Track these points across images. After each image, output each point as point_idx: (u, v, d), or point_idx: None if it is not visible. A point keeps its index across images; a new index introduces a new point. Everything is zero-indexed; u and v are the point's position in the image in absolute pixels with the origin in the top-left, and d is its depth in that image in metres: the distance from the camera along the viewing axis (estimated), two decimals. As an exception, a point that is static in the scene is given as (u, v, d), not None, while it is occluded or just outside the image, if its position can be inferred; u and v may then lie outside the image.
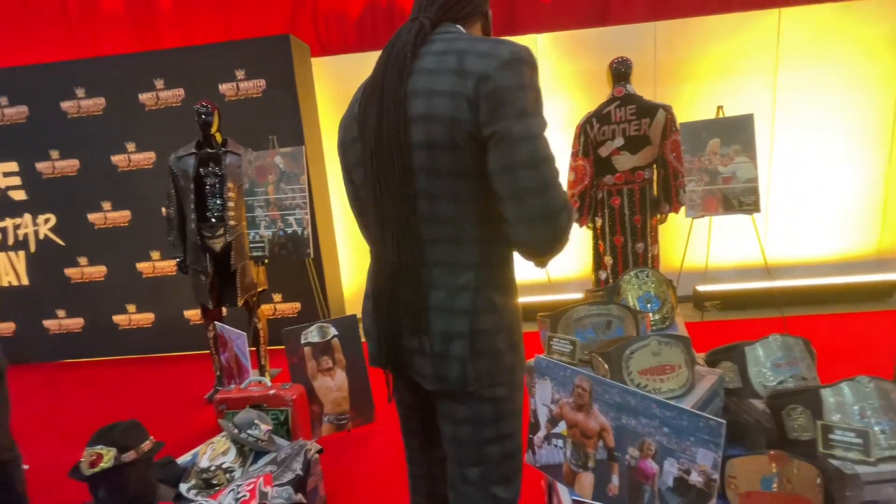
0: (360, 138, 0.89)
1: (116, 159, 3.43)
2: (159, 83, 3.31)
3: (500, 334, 0.90)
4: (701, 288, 3.53)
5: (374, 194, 0.88)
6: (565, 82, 3.57)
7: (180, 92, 3.30)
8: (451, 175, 0.83)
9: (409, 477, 1.12)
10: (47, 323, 3.69)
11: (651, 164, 2.53)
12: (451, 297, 0.87)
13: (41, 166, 3.47)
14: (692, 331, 3.14)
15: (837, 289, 3.42)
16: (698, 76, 3.48)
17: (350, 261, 3.94)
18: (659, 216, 2.61)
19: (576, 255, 3.75)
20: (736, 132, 2.68)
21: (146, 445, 1.45)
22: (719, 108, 2.84)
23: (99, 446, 1.37)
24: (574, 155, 2.61)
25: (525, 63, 0.80)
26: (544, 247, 0.84)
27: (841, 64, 3.38)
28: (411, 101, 0.82)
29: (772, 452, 1.16)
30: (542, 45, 3.54)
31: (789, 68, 3.42)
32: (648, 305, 1.77)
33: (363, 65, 3.64)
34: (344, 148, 0.95)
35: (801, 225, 3.61)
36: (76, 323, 3.69)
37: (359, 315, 2.84)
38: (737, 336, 3.07)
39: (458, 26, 0.89)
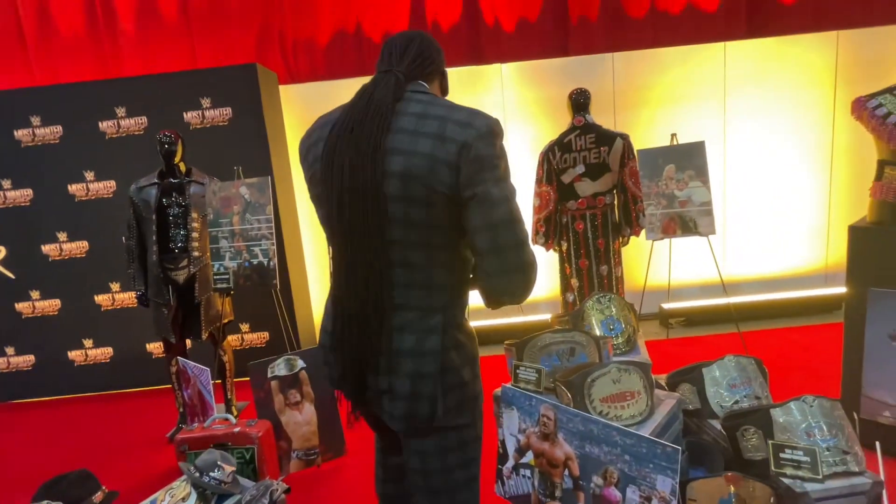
0: (326, 179, 0.94)
1: (74, 188, 3.31)
2: (121, 111, 3.24)
3: (465, 367, 0.99)
4: (666, 306, 3.64)
5: (344, 240, 0.92)
6: (529, 109, 3.70)
7: (143, 120, 3.25)
8: (424, 226, 0.90)
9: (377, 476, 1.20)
10: (-6, 362, 3.47)
11: (611, 189, 2.63)
12: (422, 339, 0.93)
13: (-9, 196, 3.32)
14: (659, 348, 3.24)
15: (789, 303, 3.60)
16: (654, 104, 3.67)
17: (321, 289, 3.90)
18: (621, 239, 2.70)
19: (544, 277, 3.82)
20: (689, 158, 2.83)
21: (97, 497, 1.38)
22: (673, 135, 3.00)
23: (45, 502, 1.29)
24: (538, 181, 2.69)
25: (498, 135, 0.90)
26: (517, 294, 0.93)
27: (783, 92, 3.64)
28: (390, 157, 0.88)
29: (728, 474, 1.20)
30: (507, 74, 3.67)
31: (736, 97, 3.65)
32: (611, 329, 1.82)
33: (332, 92, 3.67)
34: (310, 179, 1.00)
35: (755, 244, 3.81)
36: (26, 360, 3.48)
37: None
38: (701, 351, 3.18)
39: (424, 84, 0.99)
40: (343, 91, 3.69)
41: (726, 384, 1.54)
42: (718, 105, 3.67)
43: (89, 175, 3.30)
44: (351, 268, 0.92)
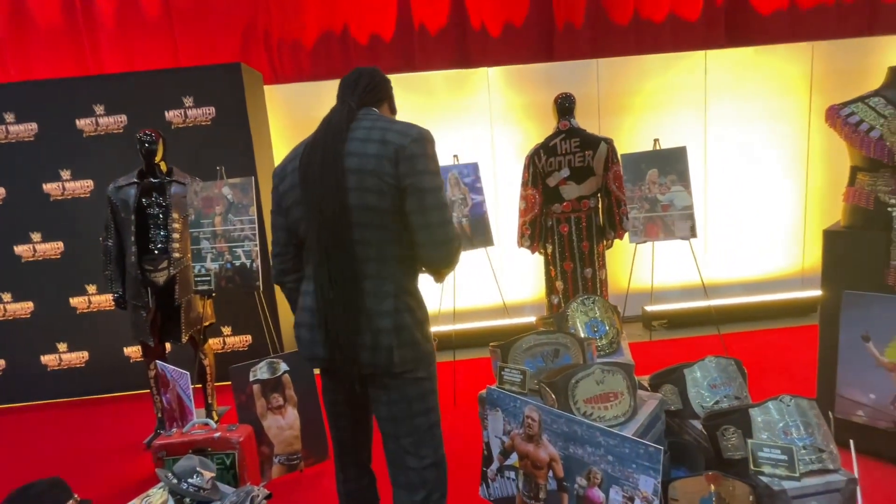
0: (301, 184, 1.20)
1: (49, 188, 3.22)
2: (99, 109, 3.16)
3: (416, 328, 1.21)
4: (649, 308, 3.69)
5: (315, 226, 1.17)
6: (515, 113, 3.72)
7: (122, 118, 3.17)
8: (376, 211, 1.15)
9: (336, 452, 1.40)
10: (-38, 367, 3.34)
11: (596, 193, 2.66)
12: (378, 302, 1.18)
13: (-39, 195, 3.20)
14: (642, 350, 3.28)
15: (767, 306, 3.69)
16: (637, 109, 3.73)
17: (305, 289, 3.85)
18: (605, 242, 2.73)
19: (529, 280, 3.84)
20: (672, 163, 2.89)
21: (70, 505, 1.33)
22: (656, 140, 3.05)
23: (13, 511, 1.24)
24: (524, 184, 2.70)
25: (428, 140, 1.18)
26: (444, 262, 1.21)
27: (761, 100, 3.74)
28: (347, 158, 1.15)
29: (709, 473, 1.22)
30: (493, 78, 3.69)
31: (717, 103, 3.74)
32: (595, 331, 1.83)
33: (318, 93, 3.65)
34: (281, 194, 1.26)
35: (735, 247, 3.89)
36: (-4, 365, 3.36)
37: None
38: (683, 353, 3.23)
39: (375, 109, 1.26)
40: (328, 92, 3.66)
41: (707, 385, 1.57)
42: (699, 111, 3.75)
43: (65, 174, 3.21)
44: (325, 250, 1.16)
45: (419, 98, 3.60)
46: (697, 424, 1.49)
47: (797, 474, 1.20)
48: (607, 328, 1.87)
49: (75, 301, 3.31)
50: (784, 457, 1.21)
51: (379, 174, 1.13)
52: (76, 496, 1.38)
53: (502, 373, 1.47)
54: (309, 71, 3.88)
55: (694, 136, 3.73)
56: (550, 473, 1.29)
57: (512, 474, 1.40)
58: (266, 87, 3.62)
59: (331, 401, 1.35)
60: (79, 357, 3.37)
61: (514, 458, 1.39)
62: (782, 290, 3.81)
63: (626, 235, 2.76)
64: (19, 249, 3.26)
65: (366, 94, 1.25)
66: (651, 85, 3.70)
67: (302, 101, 3.66)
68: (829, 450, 1.25)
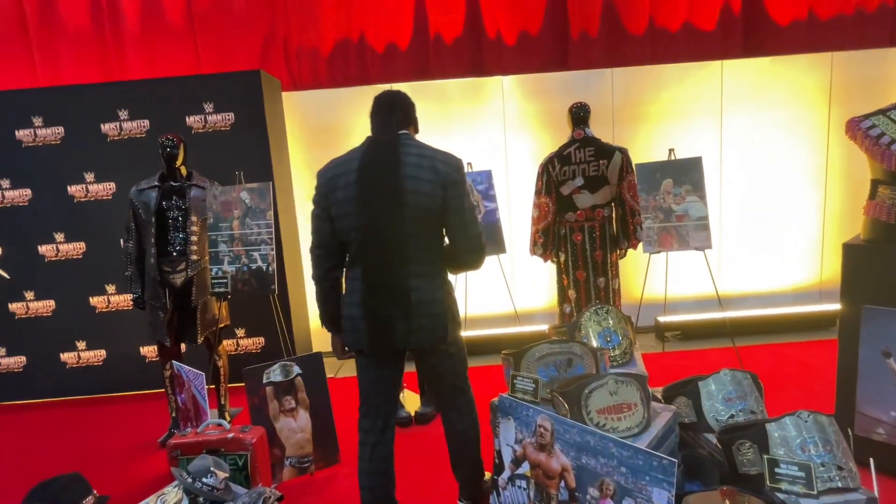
0: (359, 199, 1.47)
1: (73, 189, 3.31)
2: (123, 114, 3.25)
3: (451, 312, 1.60)
4: (662, 319, 3.66)
5: (376, 235, 1.47)
6: (529, 122, 3.74)
7: (145, 123, 3.26)
8: (426, 224, 1.49)
9: (363, 420, 1.68)
10: (-15, 362, 3.43)
11: (610, 202, 2.66)
12: (433, 292, 1.53)
13: (-11, 196, 3.31)
14: (655, 361, 3.24)
15: (784, 319, 3.62)
16: (652, 119, 3.72)
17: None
18: (618, 251, 2.72)
19: (542, 288, 3.83)
20: (687, 173, 2.87)
21: (88, 501, 1.36)
22: (671, 150, 3.03)
23: (35, 505, 1.28)
24: (538, 193, 2.71)
25: (463, 169, 1.55)
26: (476, 264, 1.59)
27: (778, 111, 3.70)
28: (405, 182, 1.46)
29: (723, 488, 1.20)
30: (507, 86, 3.71)
31: (733, 114, 3.71)
32: (608, 341, 1.82)
33: (334, 100, 3.70)
34: (332, 202, 1.52)
35: (751, 259, 3.84)
36: (17, 361, 3.44)
37: (324, 351, 2.79)
38: (696, 365, 3.19)
39: (407, 132, 1.57)
40: (345, 99, 3.72)
41: (722, 398, 1.55)
42: (715, 122, 3.73)
43: (89, 177, 3.30)
44: (380, 255, 1.47)
45: (434, 106, 3.63)
46: (712, 438, 1.47)
47: (815, 492, 1.18)
48: (620, 338, 1.86)
49: (95, 300, 3.39)
50: (802, 473, 1.19)
51: (431, 196, 1.46)
52: (95, 492, 1.41)
53: (515, 381, 1.47)
54: (326, 78, 3.94)
55: (709, 146, 3.71)
56: (562, 483, 1.29)
57: (523, 483, 1.40)
58: (284, 94, 3.69)
59: (375, 377, 1.62)
60: (97, 355, 3.44)
61: (525, 468, 1.39)
62: (799, 304, 3.74)
63: (640, 245, 2.75)
64: (43, 249, 3.35)
65: (399, 123, 1.55)
66: (666, 94, 3.69)
67: (318, 107, 3.72)
68: (848, 468, 1.23)
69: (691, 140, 3.67)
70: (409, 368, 2.92)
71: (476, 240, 1.51)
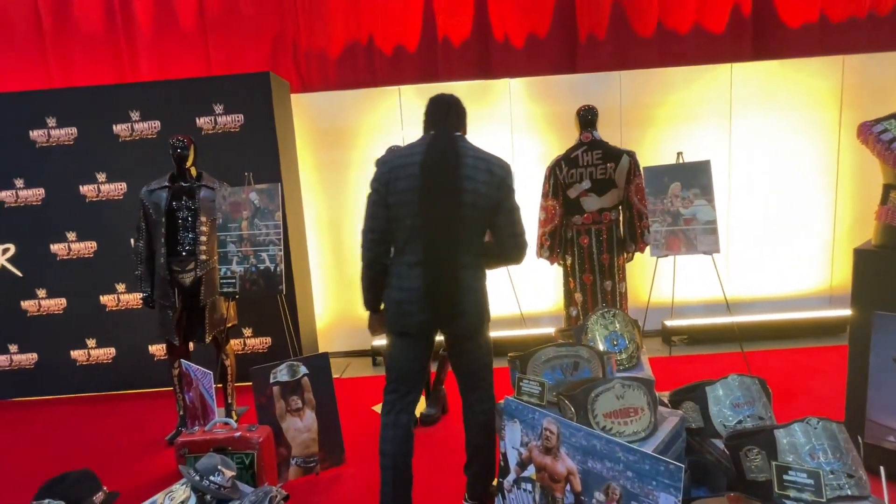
0: (421, 192, 1.58)
1: (85, 189, 3.36)
2: (135, 115, 3.29)
3: (486, 304, 1.72)
4: (669, 323, 3.63)
5: (433, 225, 1.58)
6: (536, 124, 3.74)
7: (156, 124, 3.30)
8: (477, 219, 1.62)
9: (395, 387, 1.74)
10: (-3, 359, 3.49)
11: (617, 205, 2.65)
12: (475, 282, 1.66)
13: (3, 195, 3.36)
14: (661, 365, 3.22)
15: (793, 324, 3.59)
16: (660, 122, 3.70)
17: (324, 296, 3.91)
18: (626, 255, 2.71)
19: (547, 290, 3.82)
20: (695, 176, 2.85)
21: (98, 497, 1.38)
22: (679, 153, 3.02)
23: (46, 500, 1.30)
24: (544, 195, 2.71)
25: (512, 172, 1.68)
26: (520, 259, 1.70)
27: (788, 114, 3.67)
28: (464, 181, 1.58)
29: (731, 495, 1.19)
30: (515, 89, 3.71)
31: (742, 117, 3.68)
32: (615, 345, 1.82)
33: (343, 102, 3.73)
34: (391, 192, 1.61)
35: (760, 263, 3.81)
36: (29, 358, 3.49)
37: (331, 352, 2.79)
38: (703, 370, 3.16)
39: (460, 134, 1.70)
40: (353, 101, 3.75)
41: (730, 403, 1.54)
42: (724, 125, 3.70)
43: (101, 176, 3.35)
44: (435, 245, 1.59)
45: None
46: (719, 444, 1.46)
47: (824, 499, 1.17)
48: (627, 342, 1.85)
49: (105, 299, 3.43)
50: (810, 481, 1.18)
51: (486, 196, 1.59)
52: (105, 488, 1.43)
53: (521, 384, 1.47)
54: (334, 80, 3.97)
55: (718, 149, 3.68)
56: (568, 487, 1.28)
57: (529, 486, 1.40)
58: (293, 96, 3.72)
59: (412, 357, 1.73)
60: (106, 353, 3.48)
61: (531, 470, 1.39)
62: (809, 309, 3.70)
63: (647, 249, 2.73)
64: (55, 248, 3.40)
65: (456, 123, 1.70)
66: (675, 98, 3.68)
67: (327, 109, 3.74)
68: (858, 475, 1.22)
69: (700, 143, 3.65)
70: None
71: (521, 237, 1.65)
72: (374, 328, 1.79)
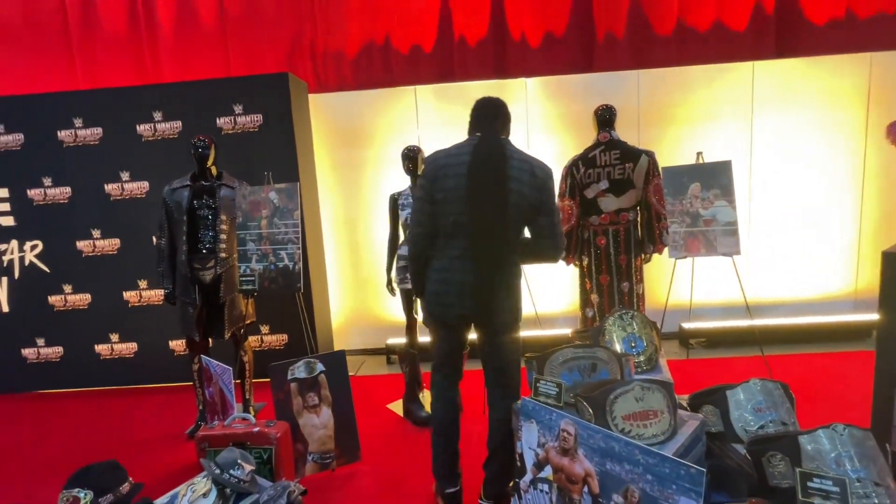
0: (468, 190, 1.66)
1: (110, 188, 3.45)
2: (157, 115, 3.37)
3: (520, 303, 1.79)
4: (686, 325, 3.58)
5: (479, 223, 1.66)
6: (552, 124, 3.72)
7: (178, 124, 3.37)
8: (519, 218, 1.70)
9: (439, 369, 1.90)
10: (26, 351, 3.60)
11: (635, 206, 2.62)
12: (513, 277, 1.75)
13: (32, 193, 3.47)
14: (678, 368, 3.18)
15: (817, 328, 3.50)
16: (680, 122, 3.65)
17: (340, 295, 3.95)
18: (643, 256, 2.68)
19: (563, 291, 3.80)
20: (715, 177, 2.81)
21: (124, 488, 1.42)
22: (699, 154, 2.97)
23: (75, 490, 1.34)
24: (561, 195, 2.69)
25: (553, 176, 1.74)
26: (557, 257, 1.78)
27: (812, 113, 3.58)
28: (510, 182, 1.65)
29: (752, 500, 1.18)
30: (531, 88, 3.70)
31: (764, 116, 3.61)
32: (633, 347, 1.80)
33: (359, 102, 3.75)
34: (439, 189, 1.70)
35: (781, 265, 3.72)
36: (55, 352, 3.60)
37: (347, 349, 2.82)
38: (721, 374, 3.11)
39: (506, 138, 1.78)
40: (369, 101, 3.77)
41: (751, 408, 1.51)
42: (745, 125, 3.63)
43: (125, 175, 3.44)
44: (480, 242, 1.66)
45: (456, 108, 3.64)
46: (740, 448, 1.44)
47: (850, 508, 1.14)
48: (645, 344, 1.83)
49: (128, 295, 3.52)
50: (836, 489, 1.16)
51: (528, 198, 1.67)
52: (130, 479, 1.47)
53: (538, 385, 1.47)
54: (351, 80, 4.00)
55: (739, 149, 3.62)
56: (585, 489, 1.28)
57: (545, 487, 1.39)
58: (310, 96, 3.76)
59: (456, 345, 1.86)
60: (128, 348, 3.57)
61: (547, 471, 1.39)
62: (832, 313, 3.61)
63: (666, 250, 2.70)
64: (81, 244, 3.50)
65: (502, 126, 1.79)
66: (694, 97, 3.62)
67: (344, 109, 3.77)
68: (885, 484, 1.19)
69: (720, 143, 3.59)
70: (429, 369, 2.95)
71: (560, 237, 1.75)
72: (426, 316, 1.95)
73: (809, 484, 1.18)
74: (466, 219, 1.65)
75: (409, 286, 2.65)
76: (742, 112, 3.61)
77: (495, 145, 1.68)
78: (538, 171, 1.67)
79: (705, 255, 2.84)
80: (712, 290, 3.71)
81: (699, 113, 3.63)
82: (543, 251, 1.73)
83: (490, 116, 1.75)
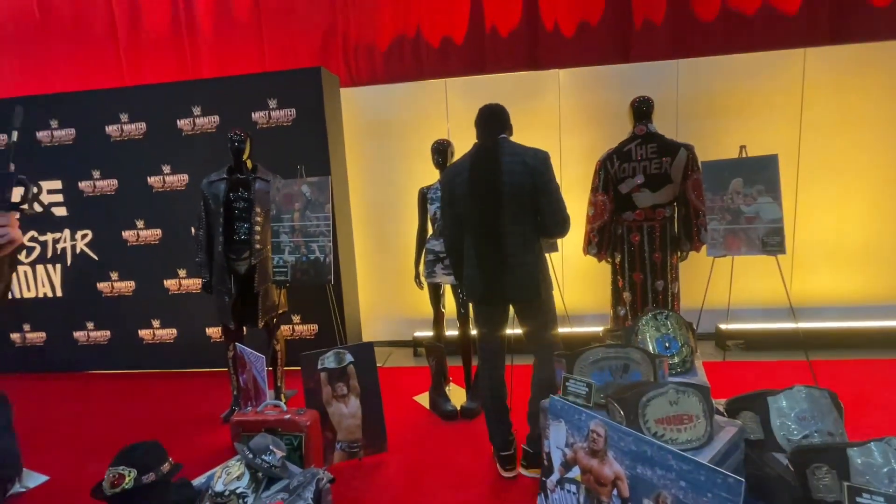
0: (470, 189, 1.97)
1: (152, 180, 3.60)
2: (196, 110, 3.48)
3: (543, 274, 2.02)
4: (723, 326, 3.44)
5: (481, 214, 1.94)
6: (585, 116, 3.62)
7: (215, 119, 3.47)
8: (521, 206, 1.92)
9: (482, 351, 2.14)
10: (77, 334, 3.82)
11: (672, 202, 2.53)
12: (524, 257, 1.95)
13: (83, 185, 3.66)
14: (713, 371, 3.06)
15: (867, 333, 3.30)
16: (722, 114, 3.48)
17: (368, 286, 4.00)
18: (679, 254, 2.59)
19: (593, 289, 3.72)
20: (759, 172, 2.66)
21: (165, 467, 1.49)
22: (742, 147, 2.82)
23: (121, 467, 1.41)
24: (594, 190, 2.63)
25: (547, 160, 1.95)
26: (562, 233, 1.98)
27: (868, 104, 3.34)
28: (503, 175, 1.91)
29: (795, 513, 1.12)
30: (563, 80, 3.61)
31: (814, 108, 3.40)
32: (667, 348, 1.74)
33: (390, 95, 3.76)
34: (453, 194, 2.04)
35: (828, 266, 3.52)
36: (103, 335, 3.81)
37: (374, 340, 2.84)
38: (760, 379, 2.98)
39: (504, 136, 2.02)
40: (400, 94, 3.78)
41: (795, 416, 1.44)
42: (794, 116, 3.43)
43: (166, 168, 3.58)
44: (482, 239, 1.96)
45: (487, 100, 3.59)
46: (782, 458, 1.38)
47: (904, 527, 1.07)
48: (680, 346, 1.77)
49: (168, 283, 3.68)
50: (888, 506, 1.08)
51: (523, 184, 1.90)
52: (170, 459, 1.54)
53: (567, 384, 1.44)
54: (382, 73, 4.01)
55: (785, 142, 3.42)
56: (615, 492, 1.25)
57: (573, 487, 1.37)
58: (342, 90, 3.79)
59: (489, 319, 2.08)
60: (169, 333, 3.74)
61: (575, 472, 1.37)
62: (885, 317, 3.39)
63: (703, 248, 2.59)
64: (126, 234, 3.68)
65: (498, 130, 2.02)
66: (739, 87, 3.44)
67: (375, 103, 3.79)
68: (945, 504, 1.10)
69: (764, 137, 3.40)
70: (455, 363, 2.97)
71: (560, 213, 1.93)
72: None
73: (858, 499, 1.12)
74: (472, 220, 1.96)
75: (437, 280, 2.65)
76: (791, 102, 3.41)
77: (489, 149, 1.96)
78: (529, 160, 1.90)
79: (746, 253, 2.70)
80: (752, 291, 3.54)
81: (744, 104, 3.45)
82: (546, 228, 1.94)
83: (484, 121, 2.02)
